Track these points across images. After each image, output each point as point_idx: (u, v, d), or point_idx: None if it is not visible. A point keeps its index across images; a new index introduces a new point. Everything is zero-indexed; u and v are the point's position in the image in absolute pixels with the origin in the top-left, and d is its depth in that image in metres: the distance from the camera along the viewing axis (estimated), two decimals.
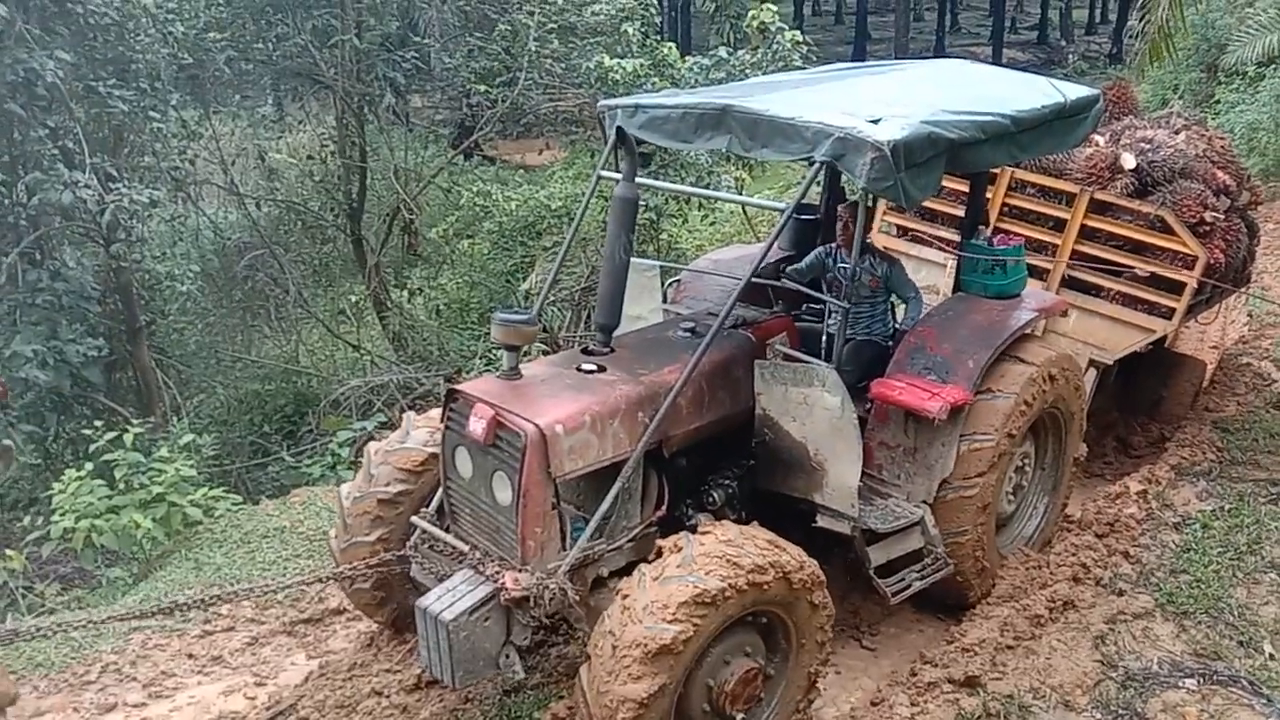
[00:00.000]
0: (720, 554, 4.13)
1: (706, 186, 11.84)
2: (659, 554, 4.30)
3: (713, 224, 14.89)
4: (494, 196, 13.95)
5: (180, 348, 14.60)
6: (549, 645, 5.42)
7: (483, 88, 14.72)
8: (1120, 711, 4.84)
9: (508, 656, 4.43)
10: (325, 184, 15.93)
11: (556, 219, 13.36)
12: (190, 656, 5.82)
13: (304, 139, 17.58)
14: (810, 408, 4.85)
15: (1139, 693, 4.96)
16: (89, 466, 8.41)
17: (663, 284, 6.35)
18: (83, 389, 11.24)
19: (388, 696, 5.15)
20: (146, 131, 11.83)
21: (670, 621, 3.95)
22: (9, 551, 7.96)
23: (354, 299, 15.24)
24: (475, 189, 14.47)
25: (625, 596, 4.14)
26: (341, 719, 5.06)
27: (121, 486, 8.20)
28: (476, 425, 4.46)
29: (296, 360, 14.62)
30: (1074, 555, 5.93)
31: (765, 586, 4.18)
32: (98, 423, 9.34)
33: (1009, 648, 5.22)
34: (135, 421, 9.30)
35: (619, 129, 5.28)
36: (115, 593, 7.69)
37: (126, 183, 10.88)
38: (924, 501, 5.29)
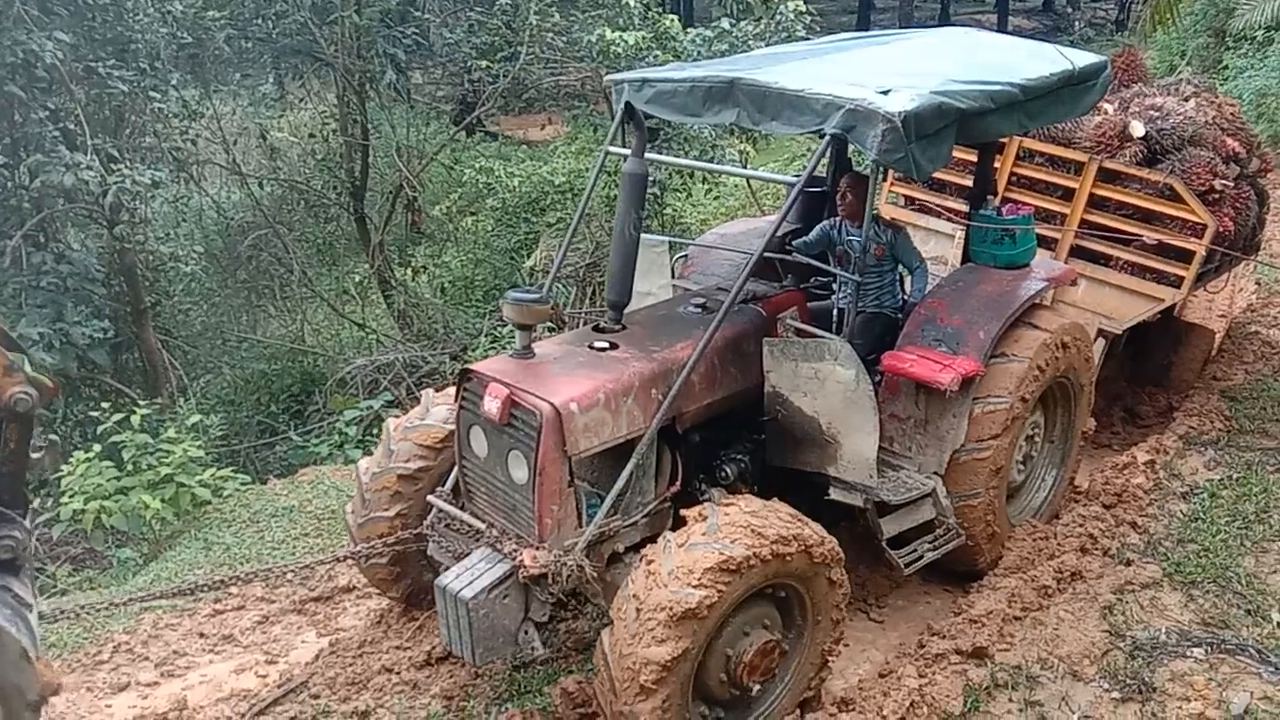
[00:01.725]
0: (745, 523, 4.17)
1: (711, 160, 11.77)
2: (683, 523, 4.33)
3: (717, 198, 14.81)
4: (497, 173, 13.89)
5: (186, 328, 14.63)
6: (558, 621, 5.44)
7: (484, 63, 14.63)
8: (1128, 681, 4.85)
9: (526, 633, 4.47)
10: (327, 162, 15.89)
11: (560, 195, 13.32)
12: (201, 635, 5.86)
13: (305, 117, 17.52)
14: (822, 382, 4.84)
15: (1147, 662, 4.97)
16: (97, 448, 8.46)
17: (671, 260, 6.32)
18: (89, 371, 11.29)
19: (398, 673, 5.19)
20: (147, 112, 11.81)
21: (696, 586, 3.99)
22: None
23: (358, 278, 15.25)
24: (478, 166, 14.42)
25: (650, 562, 4.17)
26: (352, 696, 5.10)
27: (130, 468, 8.24)
28: (491, 405, 4.46)
29: (302, 340, 14.63)
30: (1081, 526, 5.92)
31: (788, 558, 4.22)
32: (105, 404, 9.37)
33: (1016, 619, 5.22)
34: (142, 403, 9.34)
35: (627, 104, 5.25)
36: (126, 573, 7.75)
37: (128, 163, 10.87)
38: (935, 473, 5.28)
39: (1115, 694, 4.80)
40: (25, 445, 3.73)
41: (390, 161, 15.61)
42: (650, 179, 11.99)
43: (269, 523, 7.39)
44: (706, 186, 14.24)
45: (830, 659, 4.69)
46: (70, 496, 7.91)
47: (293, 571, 6.02)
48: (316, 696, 5.14)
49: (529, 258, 13.53)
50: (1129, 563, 5.70)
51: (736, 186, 14.64)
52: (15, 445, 3.69)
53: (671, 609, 3.97)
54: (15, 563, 3.68)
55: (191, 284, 15.01)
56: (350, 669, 5.28)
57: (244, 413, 13.24)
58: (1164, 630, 5.18)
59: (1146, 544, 5.88)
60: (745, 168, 11.52)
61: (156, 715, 5.10)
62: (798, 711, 4.66)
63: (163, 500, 7.83)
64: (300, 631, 5.84)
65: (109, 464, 8.26)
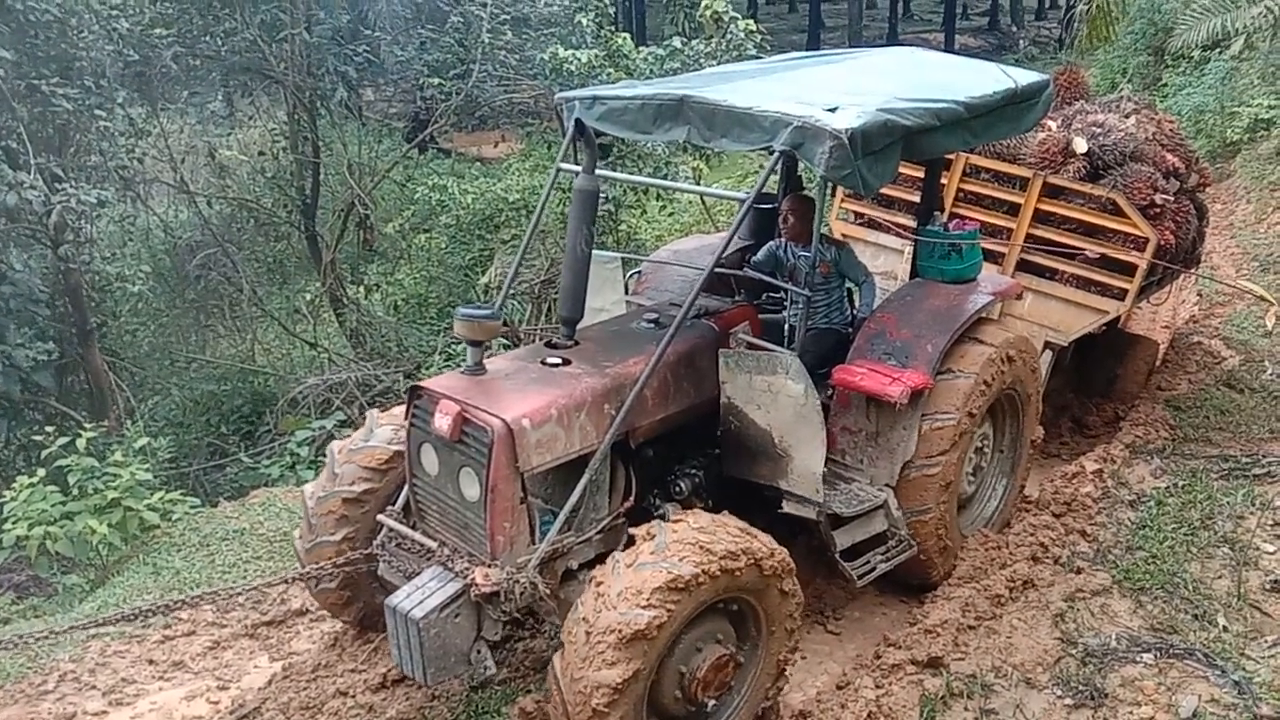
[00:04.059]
0: (693, 540, 4.15)
1: (665, 177, 11.83)
2: (632, 542, 4.30)
3: (671, 214, 14.88)
4: (450, 190, 13.84)
5: (133, 349, 14.37)
6: (516, 640, 5.40)
7: (436, 80, 14.60)
8: (1080, 687, 4.91)
9: (479, 652, 4.41)
10: (278, 180, 15.73)
11: (514, 212, 13.30)
12: (151, 662, 5.73)
13: (255, 135, 17.33)
14: (775, 395, 4.88)
15: (1098, 668, 5.04)
16: (41, 473, 8.24)
17: (624, 276, 6.34)
18: (33, 394, 11.05)
19: (353, 696, 5.11)
20: (93, 130, 11.62)
21: (645, 607, 3.97)
22: None
23: (310, 296, 15.06)
24: (431, 183, 14.36)
25: (599, 583, 4.15)
26: None
27: (75, 492, 8.04)
28: (442, 421, 4.43)
29: (252, 360, 14.44)
30: (1032, 535, 6.00)
31: (737, 573, 4.21)
32: (49, 428, 9.13)
33: (970, 628, 5.27)
34: (88, 426, 9.13)
35: (577, 120, 5.26)
36: (72, 600, 7.56)
37: (73, 183, 10.68)
38: (887, 484, 5.34)
39: (1068, 700, 4.86)
40: None
41: (342, 179, 15.48)
42: (605, 196, 12.12)
43: (220, 546, 7.25)
44: (661, 203, 14.31)
45: (787, 669, 4.69)
46: (14, 523, 7.69)
47: (243, 594, 5.91)
48: None
49: (484, 275, 13.48)
50: (1079, 570, 5.79)
51: (690, 203, 14.73)
52: None
53: (620, 631, 3.95)
54: None
55: (139, 304, 14.75)
56: (304, 693, 5.18)
57: (193, 434, 13.02)
58: (1114, 636, 5.26)
59: (1096, 552, 5.97)
60: (699, 185, 11.61)
61: None
62: None
63: (110, 525, 7.63)
64: (253, 656, 5.73)
65: (54, 489, 8.04)
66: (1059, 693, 4.91)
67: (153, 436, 10.49)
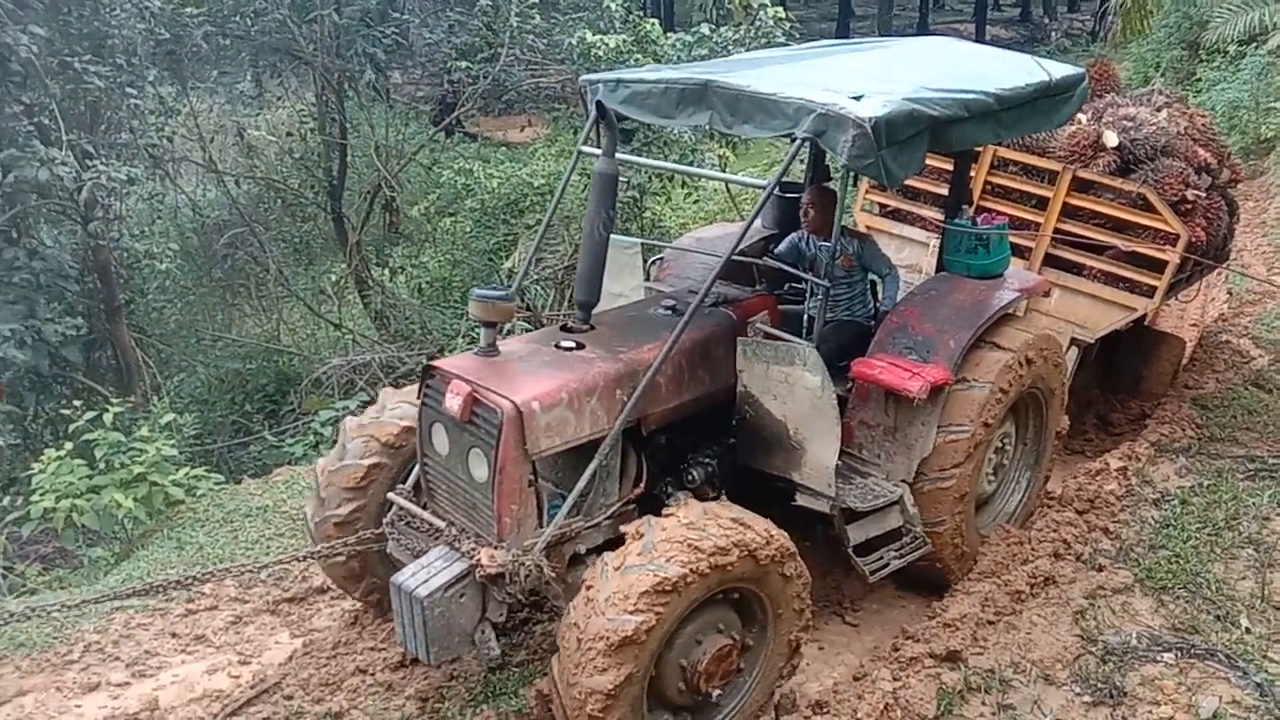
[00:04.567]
0: (681, 538, 4.09)
1: (690, 164, 11.80)
2: (621, 540, 4.27)
3: (696, 202, 14.83)
4: (475, 174, 13.86)
5: (160, 326, 14.49)
6: (534, 622, 5.44)
7: (464, 64, 14.61)
8: (1100, 685, 4.89)
9: (483, 633, 4.42)
10: (305, 161, 15.80)
11: (539, 197, 13.30)
12: (174, 635, 5.80)
13: (283, 116, 17.41)
14: (791, 386, 4.84)
15: (1118, 666, 5.01)
16: (69, 446, 8.36)
17: (644, 262, 6.32)
18: (61, 368, 11.17)
19: (372, 674, 5.16)
20: (123, 108, 11.70)
21: (632, 612, 3.93)
22: None
23: (335, 277, 15.13)
24: (456, 166, 14.38)
25: (589, 588, 4.12)
26: (326, 697, 5.06)
27: (102, 466, 8.15)
28: (453, 402, 4.43)
29: (278, 339, 14.53)
30: (1055, 531, 5.97)
31: (729, 567, 4.15)
32: (77, 402, 9.26)
33: (990, 623, 5.25)
34: (115, 401, 9.23)
35: (599, 104, 5.23)
36: (97, 572, 7.66)
37: (104, 160, 10.76)
38: (903, 480, 5.28)
39: (1087, 698, 4.84)
40: None
41: (368, 161, 15.53)
42: (629, 183, 12.09)
43: (243, 523, 7.32)
44: (686, 190, 14.27)
45: (801, 647, 4.66)
46: (41, 495, 7.82)
47: (256, 570, 5.95)
48: (290, 697, 5.09)
49: (507, 259, 13.49)
50: (1101, 568, 5.76)
51: (715, 191, 14.67)
52: None
53: (608, 638, 3.92)
54: None
55: (166, 282, 14.87)
56: (324, 670, 5.24)
57: (218, 412, 13.12)
58: (1135, 635, 5.23)
59: (1118, 550, 5.94)
60: (724, 172, 11.57)
61: (127, 716, 5.03)
62: (772, 713, 4.67)
63: (135, 499, 7.74)
64: (274, 632, 5.79)
65: (81, 462, 8.16)
66: (1078, 690, 4.89)
67: (178, 413, 10.59)
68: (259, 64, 16.17)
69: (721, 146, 12.48)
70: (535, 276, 12.17)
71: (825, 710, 4.70)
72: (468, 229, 14.72)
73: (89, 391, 11.04)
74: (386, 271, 14.97)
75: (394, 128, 16.16)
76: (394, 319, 14.04)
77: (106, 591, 4.96)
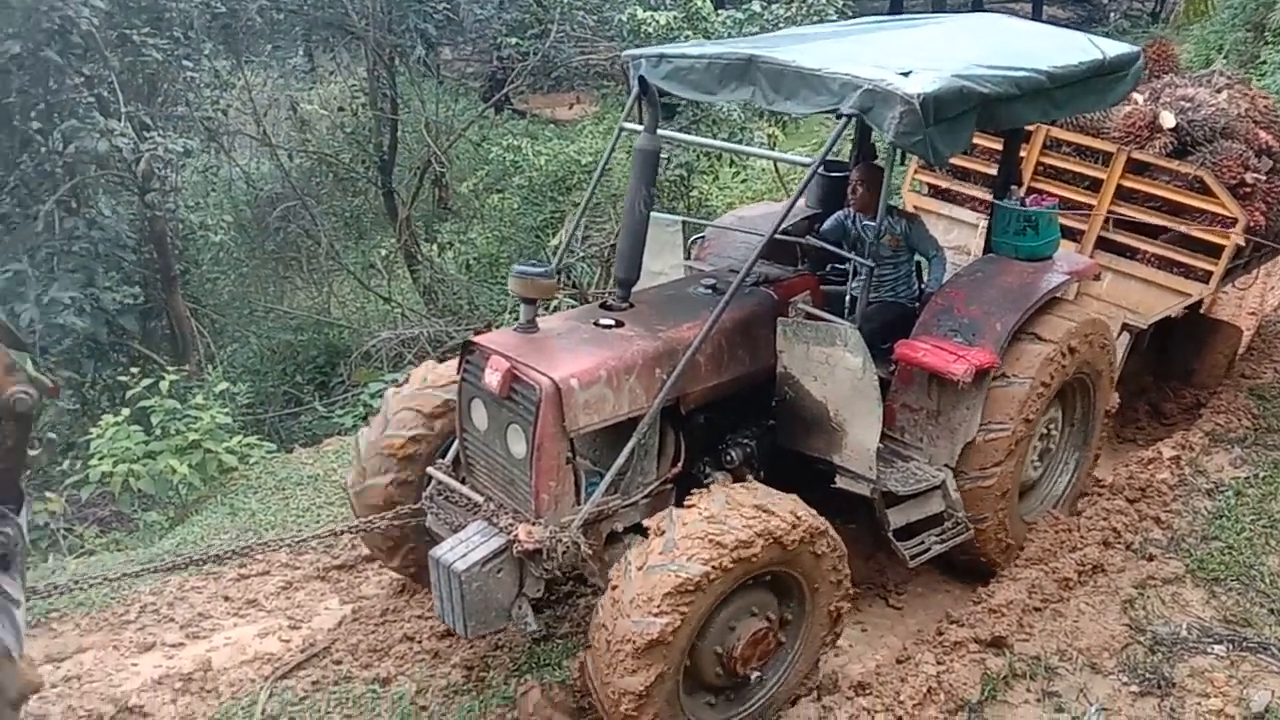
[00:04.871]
0: (702, 534, 4.04)
1: (739, 143, 11.72)
2: (645, 535, 4.27)
3: (744, 181, 14.75)
4: (524, 151, 13.87)
5: (214, 297, 14.74)
6: (577, 595, 5.49)
7: (514, 40, 14.61)
8: (1148, 675, 4.84)
9: (520, 608, 4.44)
10: (356, 136, 15.92)
11: (586, 174, 13.29)
12: (226, 599, 5.93)
13: (335, 90, 17.55)
14: (832, 368, 4.79)
15: (1166, 657, 4.95)
16: (126, 412, 8.56)
17: (686, 240, 6.28)
18: (118, 336, 11.42)
19: (419, 642, 5.25)
20: (180, 81, 11.88)
21: (656, 614, 3.92)
22: (49, 494, 8.12)
23: (385, 252, 15.27)
24: (505, 143, 14.40)
25: (614, 588, 4.12)
26: (374, 662, 5.16)
27: (158, 432, 8.35)
28: (492, 377, 4.45)
29: (328, 312, 14.72)
30: (1104, 520, 5.90)
31: (754, 558, 4.10)
32: (133, 370, 9.47)
33: (1036, 610, 5.22)
34: (170, 369, 9.43)
35: (641, 79, 5.18)
36: (152, 536, 7.86)
37: (161, 131, 10.94)
38: (946, 465, 5.21)
39: (1134, 687, 4.79)
40: (23, 443, 3.78)
41: (419, 136, 15.61)
42: (675, 160, 12.02)
43: (294, 490, 7.46)
44: (734, 169, 14.18)
45: (843, 615, 4.63)
46: (99, 459, 8.02)
47: (303, 541, 6.06)
48: (339, 662, 5.21)
49: (554, 236, 13.53)
50: (1151, 558, 5.68)
51: (764, 170, 14.58)
52: (13, 443, 3.75)
53: (635, 641, 3.92)
54: (6, 559, 3.73)
55: (220, 253, 15.13)
56: (372, 636, 5.35)
57: (269, 382, 13.34)
58: (1185, 626, 5.17)
59: (1170, 540, 5.86)
60: (773, 150, 11.48)
61: (181, 675, 5.17)
62: (815, 692, 4.69)
63: (190, 465, 7.93)
64: (323, 598, 5.90)
65: (137, 428, 8.36)
66: (1125, 679, 4.85)
67: (231, 382, 10.80)
68: (312, 38, 16.31)
69: (770, 125, 12.37)
70: (582, 254, 12.19)
71: (867, 691, 4.70)
72: (515, 206, 14.78)
73: (145, 359, 11.28)
74: (435, 247, 15.07)
75: (444, 104, 16.21)
76: (442, 294, 14.15)
77: (163, 562, 5.09)
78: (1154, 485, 6.27)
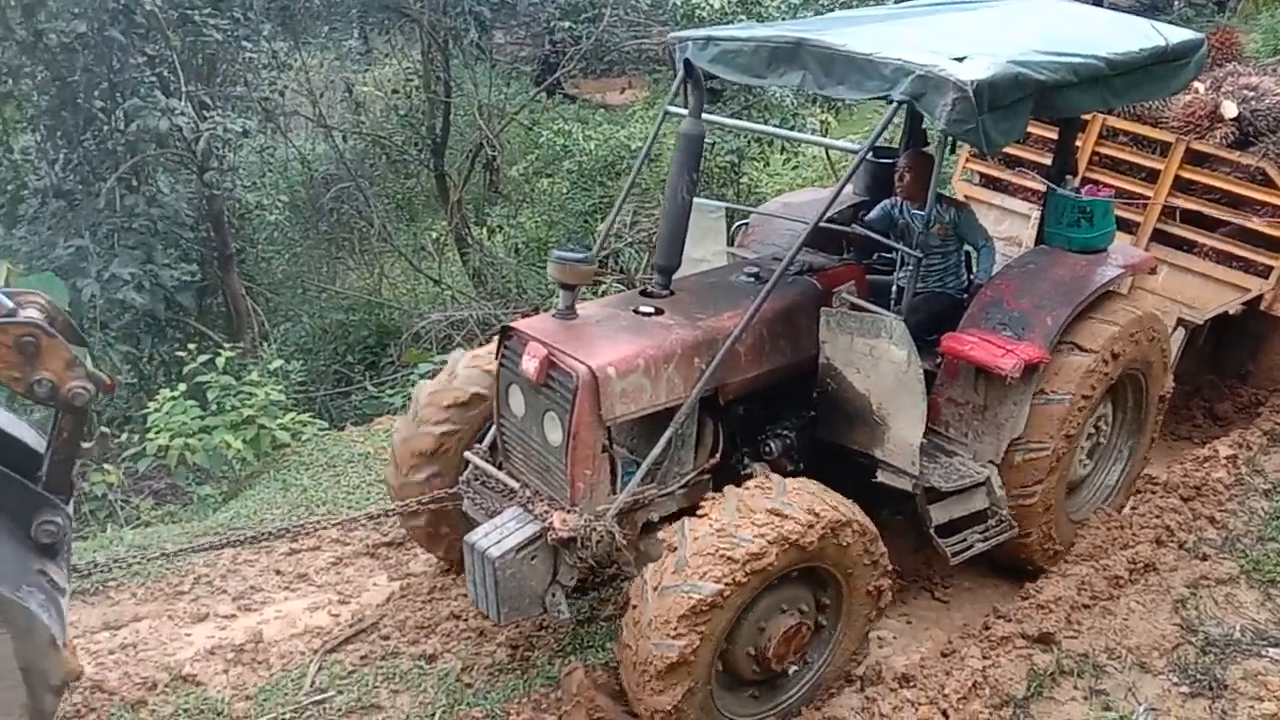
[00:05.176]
0: (712, 549, 3.99)
1: (791, 129, 11.63)
2: (694, 510, 4.25)
3: (795, 168, 14.63)
4: (574, 136, 13.88)
5: (268, 276, 14.94)
6: (621, 579, 5.51)
7: (567, 24, 14.60)
8: (1199, 676, 4.76)
9: (554, 596, 4.45)
10: (410, 119, 16.02)
11: (635, 160, 13.28)
12: (278, 573, 6.04)
13: (389, 73, 17.65)
14: (876, 360, 4.72)
15: (1219, 659, 4.87)
16: (182, 387, 8.74)
17: (729, 226, 6.22)
18: (176, 312, 11.62)
19: (465, 620, 5.33)
20: (239, 61, 12.03)
21: (674, 637, 3.91)
22: (107, 466, 8.31)
23: (436, 234, 15.38)
24: (556, 128, 14.42)
25: (634, 607, 4.12)
26: (421, 639, 5.25)
27: (213, 408, 8.50)
28: (529, 364, 4.44)
29: (379, 292, 14.85)
30: (1157, 518, 5.81)
31: (768, 568, 4.04)
32: (190, 345, 9.64)
33: (1085, 607, 5.15)
34: (226, 346, 9.59)
35: (687, 62, 5.10)
36: (206, 509, 8.01)
37: (220, 111, 11.09)
38: (991, 461, 5.12)
39: (1184, 688, 4.72)
40: (77, 436, 3.88)
41: (471, 120, 15.67)
42: (722, 146, 11.94)
43: (345, 468, 7.57)
44: (785, 156, 14.08)
45: (884, 593, 4.59)
46: (156, 433, 8.19)
47: (324, 528, 6.13)
48: (386, 638, 5.30)
49: (602, 221, 13.53)
50: (1205, 557, 5.58)
51: (815, 157, 14.45)
52: (68, 435, 3.85)
53: (656, 664, 3.93)
54: (55, 548, 3.83)
55: (275, 233, 15.32)
56: (419, 613, 5.43)
57: (321, 361, 13.51)
58: (1239, 628, 5.08)
59: (1224, 539, 5.74)
60: (825, 137, 11.37)
61: (233, 646, 5.30)
62: (858, 683, 4.68)
63: (244, 441, 8.07)
64: (372, 574, 5.99)
65: (193, 403, 8.52)
66: (1175, 679, 4.77)
67: (285, 360, 10.94)
68: (367, 21, 16.39)
69: (823, 112, 12.26)
70: (630, 239, 12.18)
71: (912, 684, 4.69)
72: (565, 190, 14.78)
73: (201, 336, 11.48)
74: (485, 230, 15.15)
75: (496, 87, 16.26)
76: (491, 277, 14.22)
77: (216, 536, 5.22)
78: (1209, 484, 6.16)
